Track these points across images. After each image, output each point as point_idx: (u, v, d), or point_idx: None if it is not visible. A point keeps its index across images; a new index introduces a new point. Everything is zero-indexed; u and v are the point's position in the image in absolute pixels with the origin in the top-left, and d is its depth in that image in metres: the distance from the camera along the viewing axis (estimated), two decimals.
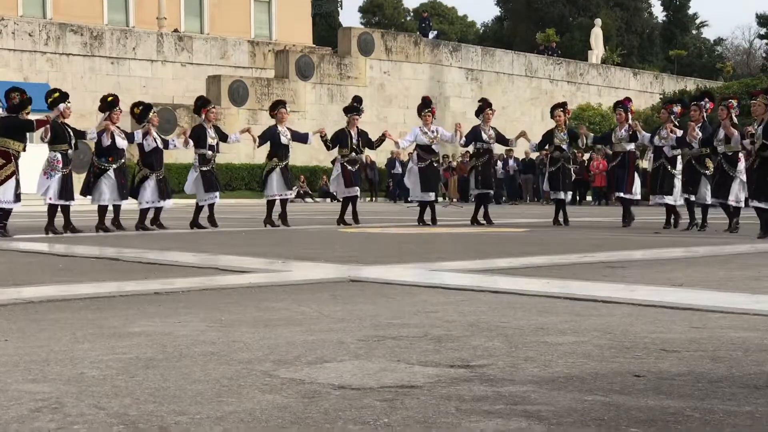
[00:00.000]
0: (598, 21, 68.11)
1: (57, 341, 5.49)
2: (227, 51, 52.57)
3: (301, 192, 45.31)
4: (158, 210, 18.50)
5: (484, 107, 20.22)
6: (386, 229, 18.66)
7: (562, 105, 20.63)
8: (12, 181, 15.87)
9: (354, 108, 20.39)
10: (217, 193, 19.26)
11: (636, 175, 19.27)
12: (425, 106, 20.34)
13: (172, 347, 5.27)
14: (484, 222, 20.04)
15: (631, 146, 19.13)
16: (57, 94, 17.12)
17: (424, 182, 20.02)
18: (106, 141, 17.42)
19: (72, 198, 17.22)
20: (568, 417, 3.68)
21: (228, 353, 5.08)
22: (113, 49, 48.38)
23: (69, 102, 17.20)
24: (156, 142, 18.21)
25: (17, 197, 16.02)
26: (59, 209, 17.11)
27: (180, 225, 18.94)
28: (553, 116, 20.23)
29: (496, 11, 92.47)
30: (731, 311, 6.56)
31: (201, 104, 19.45)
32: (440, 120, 53.54)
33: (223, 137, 19.37)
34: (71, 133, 17.06)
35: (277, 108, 19.81)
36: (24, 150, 16.17)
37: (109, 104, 17.89)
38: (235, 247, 13.62)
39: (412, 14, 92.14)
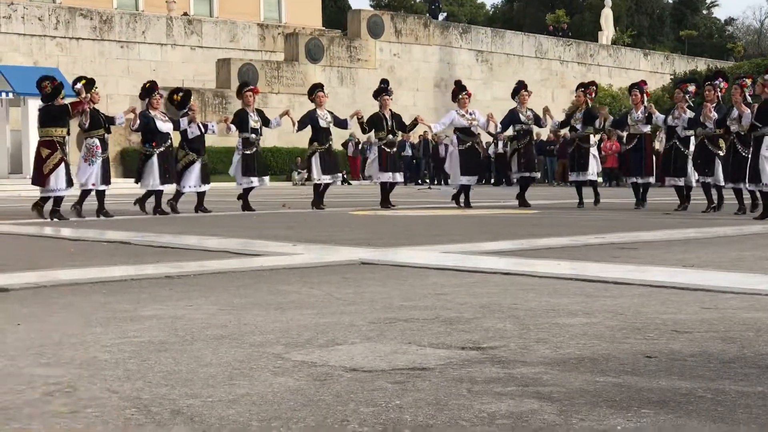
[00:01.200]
0: (608, 2, 67.82)
1: (69, 325, 5.50)
2: (237, 34, 52.53)
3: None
4: (201, 195, 18.63)
5: (519, 89, 20.11)
6: (397, 212, 18.65)
7: (586, 86, 20.30)
8: (62, 168, 16.42)
9: (383, 89, 20.29)
10: (255, 178, 19.18)
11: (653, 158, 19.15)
12: (461, 90, 20.22)
13: (184, 331, 5.28)
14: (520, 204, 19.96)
15: (647, 128, 19.02)
16: (84, 81, 17.24)
17: (464, 165, 19.92)
18: (133, 126, 17.76)
19: (109, 182, 17.49)
20: (580, 398, 3.68)
21: (240, 336, 5.09)
22: (123, 33, 48.37)
23: (97, 87, 17.45)
24: (200, 129, 18.46)
25: (69, 182, 16.59)
26: (92, 194, 17.47)
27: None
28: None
29: None
30: (743, 292, 6.56)
31: (238, 89, 19.70)
32: (450, 102, 53.62)
33: (265, 122, 19.41)
34: (104, 118, 17.34)
35: (314, 92, 19.84)
36: (68, 134, 16.70)
37: (147, 90, 18.24)
38: (246, 230, 13.62)
39: None
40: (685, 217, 15.97)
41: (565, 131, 21.72)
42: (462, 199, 20.12)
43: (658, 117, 18.63)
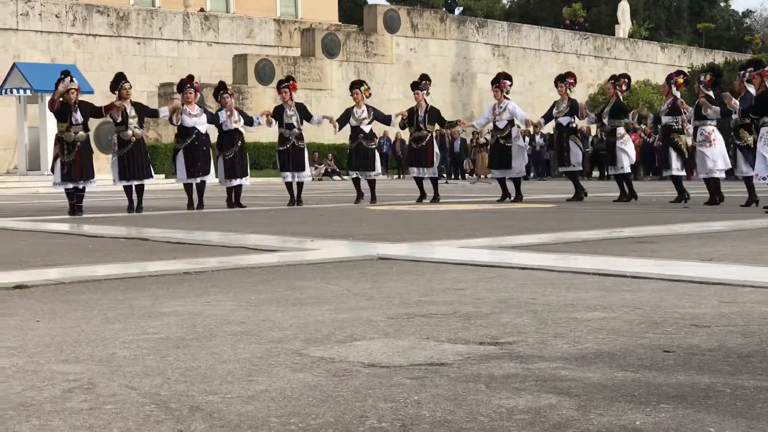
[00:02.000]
0: None
1: (88, 322, 5.52)
2: (253, 30, 52.60)
3: (329, 170, 45.37)
4: (230, 190, 18.82)
5: (557, 81, 20.20)
6: (414, 207, 18.64)
7: (619, 77, 20.17)
8: (58, 163, 16.74)
9: (416, 84, 20.25)
10: (288, 173, 19.26)
11: (671, 149, 18.69)
12: (495, 81, 20.04)
13: (202, 327, 5.29)
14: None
15: (667, 119, 18.66)
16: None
17: (491, 160, 20.11)
18: (176, 122, 18.00)
19: (134, 177, 17.58)
20: (598, 393, 3.68)
21: (258, 332, 5.10)
22: (139, 30, 48.48)
23: (125, 82, 17.63)
24: (234, 123, 18.56)
25: (67, 177, 16.74)
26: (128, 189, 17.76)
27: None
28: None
29: None
30: (762, 286, 6.53)
31: (277, 86, 19.82)
32: (467, 97, 53.63)
33: (306, 117, 19.39)
34: (127, 114, 17.39)
35: (351, 90, 19.93)
36: (68, 129, 16.66)
37: (181, 84, 18.57)
38: (264, 226, 13.64)
39: None
40: (704, 210, 15.91)
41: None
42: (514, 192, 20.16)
43: (689, 111, 17.98)
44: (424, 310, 5.73)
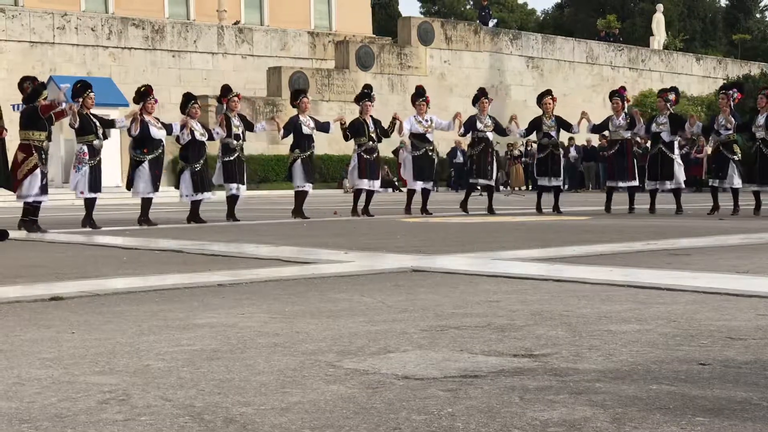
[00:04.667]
0: (660, 6, 67.42)
1: (123, 333, 5.54)
2: (287, 42, 52.75)
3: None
4: (195, 204, 18.12)
5: (479, 96, 20.22)
6: (448, 219, 18.63)
7: (550, 92, 20.78)
8: (36, 174, 15.45)
9: (365, 95, 20.15)
10: (234, 185, 18.59)
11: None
12: (419, 96, 20.34)
13: (237, 339, 5.30)
14: (487, 212, 20.23)
15: (628, 134, 19.93)
16: (79, 84, 16.87)
17: (417, 171, 20.08)
18: (134, 131, 17.02)
19: (99, 190, 16.90)
20: (633, 406, 3.66)
21: (292, 344, 5.10)
22: (174, 43, 48.71)
23: (91, 92, 16.78)
24: (195, 134, 17.86)
25: (43, 189, 15.63)
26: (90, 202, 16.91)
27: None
28: (541, 104, 20.35)
29: None
30: None
31: (222, 93, 19.10)
32: (501, 109, 53.51)
33: (249, 126, 19.01)
34: (97, 124, 16.71)
35: (299, 97, 19.53)
36: (48, 139, 15.72)
37: (142, 94, 17.54)
38: (298, 238, 13.66)
39: (471, 3, 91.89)
40: (739, 222, 15.83)
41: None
42: (407, 205, 20.41)
43: (641, 128, 19.85)
44: (458, 322, 5.72)
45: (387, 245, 11.90)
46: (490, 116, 20.14)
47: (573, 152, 44.07)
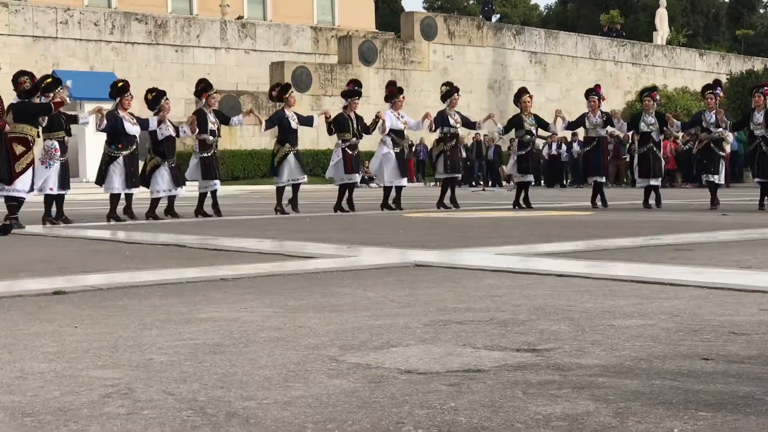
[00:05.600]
0: (663, 1, 67.33)
1: (125, 327, 5.54)
2: (290, 37, 52.70)
3: (365, 177, 45.32)
4: (172, 199, 18.10)
5: (452, 92, 20.31)
6: (450, 214, 18.63)
7: (527, 90, 20.83)
8: (30, 171, 15.43)
9: (355, 92, 20.17)
10: (217, 181, 18.69)
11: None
12: (399, 92, 20.48)
13: (239, 333, 5.30)
14: (451, 206, 20.26)
15: (604, 131, 20.42)
16: (50, 80, 16.43)
17: (402, 167, 20.22)
18: (100, 126, 16.99)
19: (68, 187, 16.75)
20: (636, 400, 3.66)
21: (294, 338, 5.10)
22: (177, 37, 48.68)
23: (61, 89, 16.42)
24: (170, 130, 17.81)
25: (32, 187, 15.62)
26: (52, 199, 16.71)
27: (240, 211, 19.00)
28: (518, 102, 20.46)
29: None
30: None
31: (202, 88, 18.95)
32: (504, 104, 53.55)
33: (224, 120, 18.97)
34: (65, 120, 16.62)
35: (287, 91, 19.56)
36: (38, 136, 15.72)
37: (119, 90, 17.51)
38: (300, 232, 13.66)
39: None
40: (743, 218, 15.82)
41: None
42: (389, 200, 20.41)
43: (622, 125, 20.17)
44: (461, 317, 5.72)
45: (390, 240, 11.90)
46: (457, 111, 20.36)
47: (576, 147, 43.97)
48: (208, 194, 18.70)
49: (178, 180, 18.06)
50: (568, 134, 36.59)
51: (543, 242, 11.18)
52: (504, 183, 44.64)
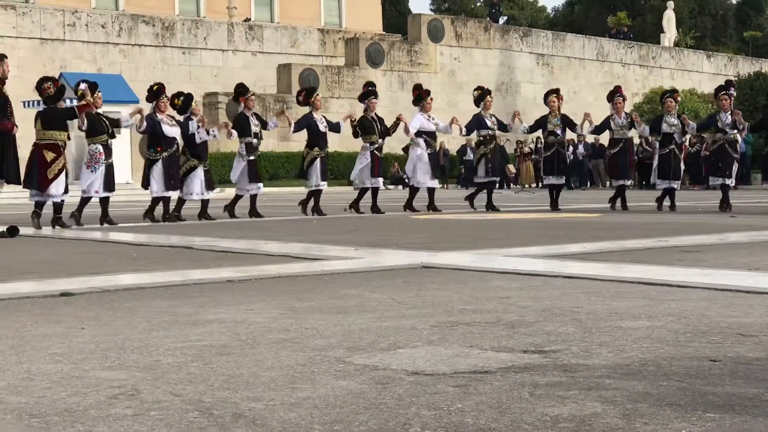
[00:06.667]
0: (671, 3, 67.36)
1: (132, 329, 5.54)
2: (297, 39, 52.77)
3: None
4: (205, 202, 18.18)
5: (484, 95, 20.30)
6: (458, 216, 18.62)
7: (556, 91, 20.71)
8: (63, 174, 15.64)
9: (370, 93, 20.18)
10: (260, 184, 18.97)
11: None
12: (427, 94, 20.41)
13: (246, 334, 5.30)
14: (489, 210, 20.25)
15: (631, 133, 20.16)
16: (87, 83, 16.71)
17: (432, 169, 20.23)
18: (140, 128, 17.29)
19: (112, 189, 16.94)
20: (643, 402, 3.65)
21: (301, 340, 5.10)
22: (184, 40, 48.76)
23: (99, 91, 16.78)
24: (208, 133, 18.01)
25: (66, 189, 15.80)
26: (98, 201, 16.96)
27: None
28: (546, 102, 20.35)
29: None
30: None
31: (239, 92, 19.00)
32: (511, 106, 53.55)
33: (264, 124, 18.98)
34: (107, 123, 16.75)
35: (313, 95, 19.58)
36: (69, 138, 15.96)
37: (155, 93, 17.69)
38: (307, 234, 13.67)
39: (481, 0, 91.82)
40: (751, 219, 15.80)
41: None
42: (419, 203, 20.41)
43: (644, 129, 20.37)
44: (468, 319, 5.71)
45: (397, 242, 11.89)
46: (492, 114, 20.28)
47: (581, 149, 43.99)
48: (246, 197, 18.84)
49: (211, 183, 18.29)
50: (574, 136, 36.52)
51: (551, 244, 11.16)
52: (512, 185, 44.63)
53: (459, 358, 4.56)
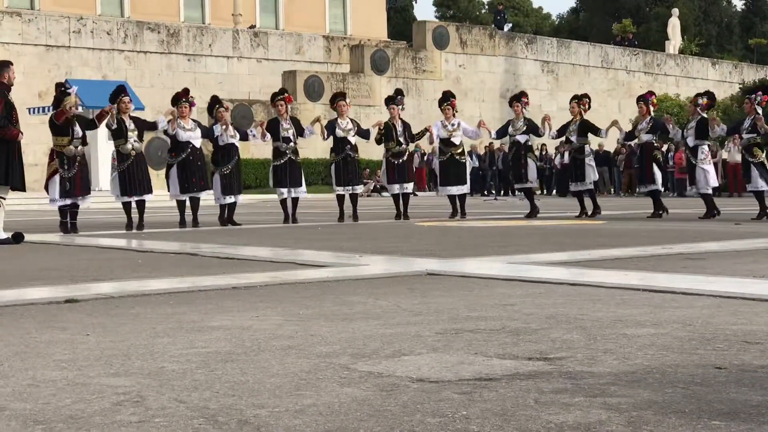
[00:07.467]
0: (676, 11, 67.35)
1: (137, 335, 5.54)
2: (302, 46, 52.76)
3: (378, 186, 45.37)
4: (231, 207, 18.26)
5: (511, 102, 20.30)
6: (462, 222, 18.61)
7: (577, 96, 20.46)
8: (56, 178, 15.81)
9: (389, 98, 20.17)
10: (284, 189, 18.81)
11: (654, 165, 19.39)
12: (445, 99, 20.28)
13: (251, 341, 5.30)
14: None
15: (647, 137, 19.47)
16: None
17: (444, 176, 20.10)
18: (171, 131, 17.49)
19: (132, 194, 16.97)
20: (648, 409, 3.65)
21: (306, 347, 5.10)
22: (190, 46, 48.77)
23: (125, 95, 16.94)
24: (233, 137, 18.09)
25: (67, 194, 15.90)
26: (131, 205, 17.14)
27: (253, 221, 19.02)
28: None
29: (572, 2, 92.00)
30: None
31: (271, 98, 19.34)
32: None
33: (300, 131, 18.94)
34: (126, 128, 16.81)
35: (335, 101, 19.68)
36: (83, 143, 16.04)
37: (174, 99, 17.92)
38: (312, 241, 13.66)
39: (486, 7, 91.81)
40: (756, 226, 15.78)
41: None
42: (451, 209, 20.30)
43: (677, 132, 19.41)
44: (473, 326, 5.71)
45: (402, 249, 11.89)
46: (525, 117, 20.09)
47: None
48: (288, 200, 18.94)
49: (231, 188, 18.15)
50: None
51: (555, 251, 11.15)
52: (517, 192, 44.58)
53: (464, 365, 4.55)
